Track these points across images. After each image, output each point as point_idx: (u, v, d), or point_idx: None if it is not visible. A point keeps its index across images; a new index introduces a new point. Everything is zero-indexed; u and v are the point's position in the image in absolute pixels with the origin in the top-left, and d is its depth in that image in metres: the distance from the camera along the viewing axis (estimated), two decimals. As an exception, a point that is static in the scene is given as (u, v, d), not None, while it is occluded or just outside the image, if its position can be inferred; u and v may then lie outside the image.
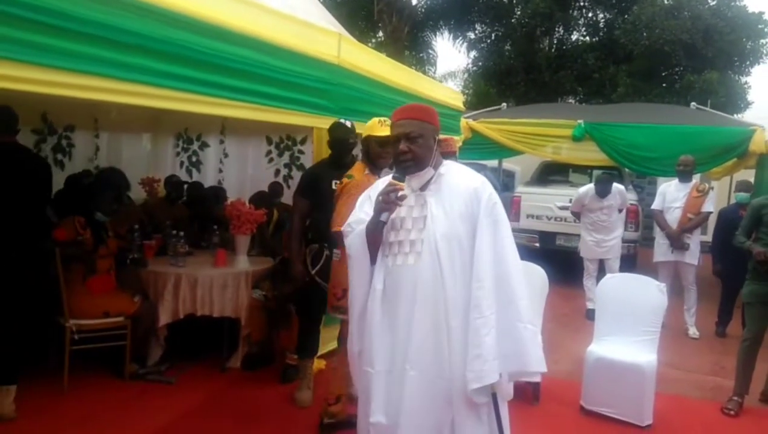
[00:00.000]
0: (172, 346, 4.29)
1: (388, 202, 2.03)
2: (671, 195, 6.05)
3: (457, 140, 4.56)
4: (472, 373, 1.98)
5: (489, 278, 2.02)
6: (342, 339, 3.81)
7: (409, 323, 2.06)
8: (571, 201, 7.83)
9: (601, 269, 6.37)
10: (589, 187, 6.62)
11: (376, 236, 2.12)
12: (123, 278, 4.28)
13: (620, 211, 6.59)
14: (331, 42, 4.13)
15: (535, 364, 2.08)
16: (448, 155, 4.17)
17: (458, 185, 2.14)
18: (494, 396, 2.09)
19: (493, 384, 2.02)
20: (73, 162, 6.30)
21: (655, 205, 6.16)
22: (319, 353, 4.19)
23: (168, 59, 2.92)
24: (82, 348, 3.79)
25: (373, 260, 2.17)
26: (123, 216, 4.87)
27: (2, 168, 3.44)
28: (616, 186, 6.54)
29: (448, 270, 2.05)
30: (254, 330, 4.35)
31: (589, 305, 6.51)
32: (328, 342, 4.31)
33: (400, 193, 2.04)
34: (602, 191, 6.42)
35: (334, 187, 3.71)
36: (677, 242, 5.86)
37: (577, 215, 6.78)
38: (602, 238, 6.47)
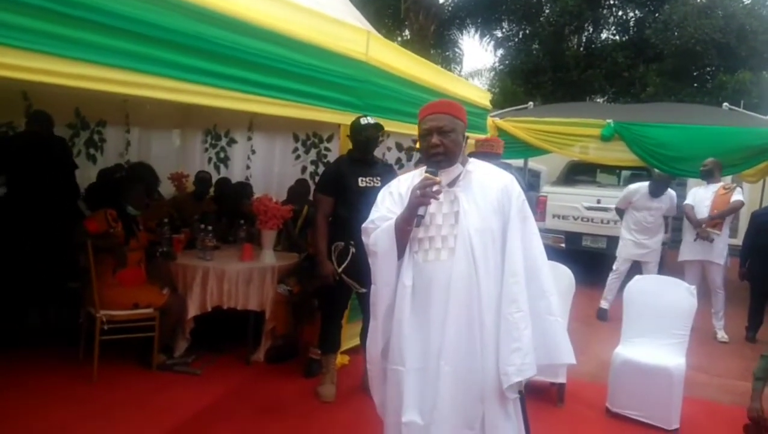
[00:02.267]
0: (198, 338, 4.35)
1: (426, 196, 2.01)
2: (700, 195, 6.00)
3: (502, 142, 4.55)
4: (513, 367, 1.99)
5: (523, 273, 2.05)
6: (363, 335, 3.84)
7: (443, 319, 2.05)
8: (598, 202, 7.76)
9: (631, 272, 6.27)
10: (640, 185, 6.51)
11: (405, 231, 2.10)
12: (152, 271, 4.36)
13: (666, 217, 6.47)
14: (359, 39, 4.14)
15: (567, 356, 2.13)
16: (494, 155, 4.15)
17: (488, 181, 2.15)
18: (521, 393, 2.10)
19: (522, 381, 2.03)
20: (104, 157, 6.45)
21: (688, 201, 6.09)
22: (343, 348, 4.22)
23: (198, 55, 2.96)
24: (111, 338, 3.87)
25: (400, 256, 2.14)
26: (153, 210, 4.97)
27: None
28: (670, 191, 6.46)
29: (482, 265, 2.05)
30: (279, 323, 4.40)
31: (603, 305, 6.46)
32: (351, 338, 4.33)
33: (435, 187, 2.02)
34: (656, 191, 6.32)
35: (361, 184, 3.73)
36: (703, 232, 5.77)
37: (620, 214, 6.67)
38: (644, 239, 6.36)
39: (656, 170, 7.28)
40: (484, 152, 4.16)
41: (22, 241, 4.40)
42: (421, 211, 2.03)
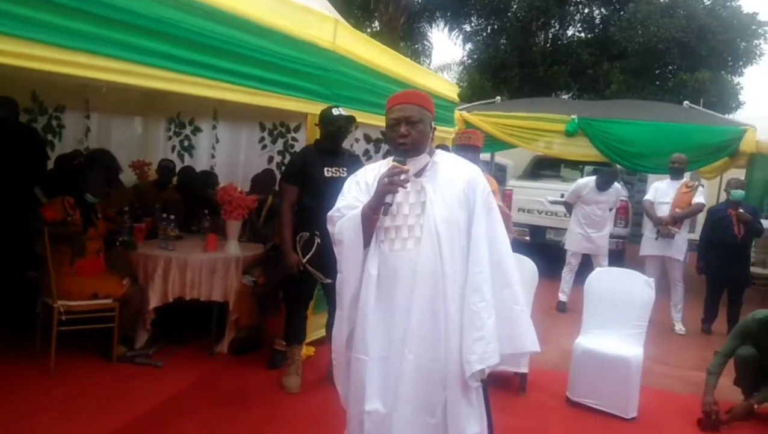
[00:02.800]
0: (160, 330, 4.27)
1: (394, 184, 2.01)
2: (662, 191, 6.12)
3: (482, 135, 4.52)
4: (475, 355, 2.02)
5: (487, 263, 2.07)
6: (329, 326, 3.83)
7: (407, 307, 2.06)
8: (562, 196, 7.88)
9: (583, 265, 6.42)
10: (588, 179, 6.66)
11: (372, 220, 2.09)
12: (112, 261, 4.26)
13: (611, 209, 6.63)
14: (327, 27, 4.11)
15: (531, 345, 2.17)
16: (472, 148, 4.12)
17: (454, 172, 2.17)
18: (483, 381, 2.14)
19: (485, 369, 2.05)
20: (63, 143, 6.25)
21: (648, 196, 6.24)
22: (308, 340, 4.20)
23: (161, 39, 2.90)
24: (69, 329, 3.77)
25: (366, 245, 2.13)
26: (113, 198, 4.85)
27: None
28: (616, 185, 6.61)
29: (448, 255, 2.07)
30: (243, 315, 4.34)
31: (561, 298, 6.64)
32: (316, 329, 4.32)
33: (403, 176, 2.02)
34: (603, 185, 6.45)
35: (327, 174, 3.70)
36: (665, 229, 5.92)
37: (569, 208, 6.80)
38: (592, 233, 6.50)
39: (618, 166, 7.44)
40: (464, 144, 4.14)
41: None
42: (388, 199, 2.03)
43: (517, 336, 2.13)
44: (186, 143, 7.03)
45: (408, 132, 2.10)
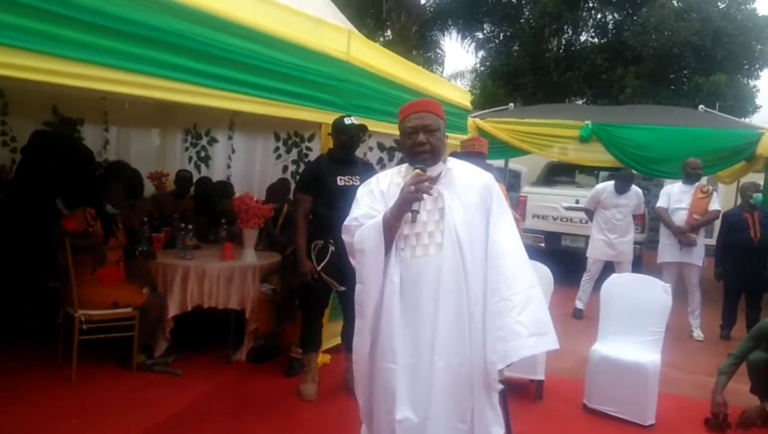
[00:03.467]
0: (179, 338, 4.32)
1: (420, 191, 2.03)
2: (675, 196, 6.06)
3: (486, 142, 4.57)
4: (496, 355, 2.04)
5: (504, 264, 2.10)
6: (344, 334, 3.85)
7: (433, 313, 2.08)
8: (577, 202, 7.86)
9: (604, 273, 6.34)
10: (606, 184, 6.62)
11: (394, 228, 2.11)
12: (132, 270, 4.33)
13: (634, 216, 6.56)
14: (340, 38, 4.16)
15: (552, 342, 2.12)
16: (477, 155, 4.17)
17: (469, 178, 2.21)
18: (503, 390, 2.16)
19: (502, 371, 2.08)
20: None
21: (661, 203, 6.15)
22: (324, 347, 4.23)
23: (178, 52, 2.96)
24: (90, 338, 3.83)
25: (386, 253, 2.14)
26: (136, 210, 4.94)
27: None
28: (635, 188, 6.55)
29: (469, 259, 2.10)
30: (261, 323, 4.39)
31: (578, 305, 6.56)
32: (332, 337, 4.35)
33: (427, 183, 2.05)
34: (622, 188, 6.40)
35: (340, 183, 3.74)
36: (685, 238, 5.86)
37: (589, 214, 6.75)
38: (615, 238, 6.41)
39: (633, 171, 7.39)
40: (469, 152, 4.19)
41: (3, 239, 4.39)
42: (415, 206, 2.06)
43: (542, 333, 2.10)
44: (202, 154, 7.12)
45: (427, 140, 2.14)
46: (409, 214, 2.07)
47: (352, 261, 2.25)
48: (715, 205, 5.87)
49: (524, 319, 2.05)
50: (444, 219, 2.12)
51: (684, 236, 5.86)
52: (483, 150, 4.26)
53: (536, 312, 2.09)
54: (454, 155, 3.70)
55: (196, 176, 6.39)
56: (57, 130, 5.46)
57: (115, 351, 4.11)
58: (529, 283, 2.12)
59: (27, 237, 4.42)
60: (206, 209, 5.60)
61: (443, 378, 2.06)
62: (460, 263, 2.09)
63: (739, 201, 6.34)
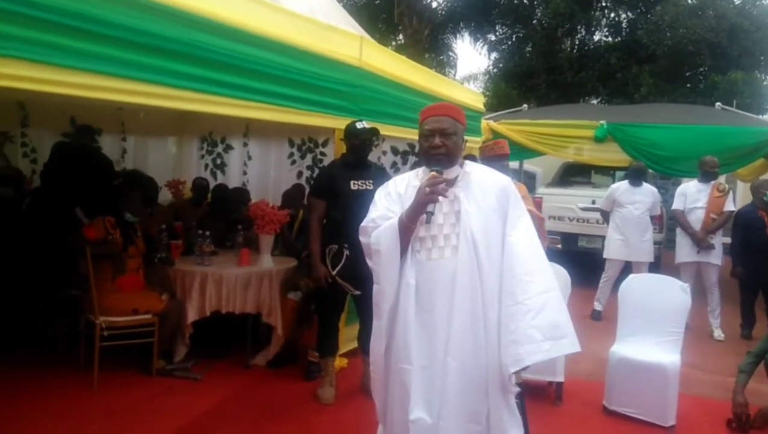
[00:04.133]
0: (197, 344, 4.37)
1: (435, 192, 2.05)
2: (692, 196, 6.00)
3: (505, 142, 4.49)
4: (509, 358, 2.04)
5: (519, 267, 2.09)
6: (361, 337, 3.87)
7: (448, 316, 2.09)
8: (593, 202, 7.80)
9: (621, 274, 6.28)
10: (620, 183, 6.59)
11: (410, 229, 2.13)
12: (151, 277, 4.39)
13: (652, 216, 6.48)
14: (352, 45, 4.19)
15: (571, 346, 2.09)
16: (502, 157, 4.13)
17: (486, 181, 2.22)
18: (520, 386, 2.16)
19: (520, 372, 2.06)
20: (101, 165, 6.44)
21: (676, 205, 6.10)
22: (341, 351, 4.25)
23: (193, 62, 3.00)
24: (111, 344, 3.89)
25: (402, 254, 2.16)
26: (157, 217, 5.01)
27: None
28: (651, 187, 6.50)
29: (485, 262, 2.11)
30: (285, 329, 4.39)
31: (597, 307, 6.50)
32: (349, 341, 4.36)
33: (443, 185, 2.07)
34: (635, 180, 6.37)
35: (353, 187, 3.76)
36: (703, 242, 5.81)
37: (605, 216, 6.69)
38: (632, 237, 6.33)
39: (650, 171, 7.32)
40: (490, 156, 4.11)
41: (26, 248, 4.48)
42: (430, 208, 2.08)
43: (559, 337, 2.07)
44: (218, 161, 7.19)
45: (442, 143, 2.16)
46: (424, 215, 2.08)
47: (369, 262, 2.28)
48: (730, 205, 5.82)
49: (539, 323, 2.04)
50: (460, 222, 2.14)
51: (702, 241, 5.82)
52: (504, 151, 4.20)
53: (552, 316, 2.06)
54: (470, 157, 3.70)
55: (212, 183, 6.45)
56: (75, 138, 5.56)
57: (135, 357, 4.17)
58: (545, 286, 2.10)
59: (48, 246, 4.50)
60: (222, 216, 5.65)
61: (456, 380, 2.07)
62: (476, 266, 2.10)
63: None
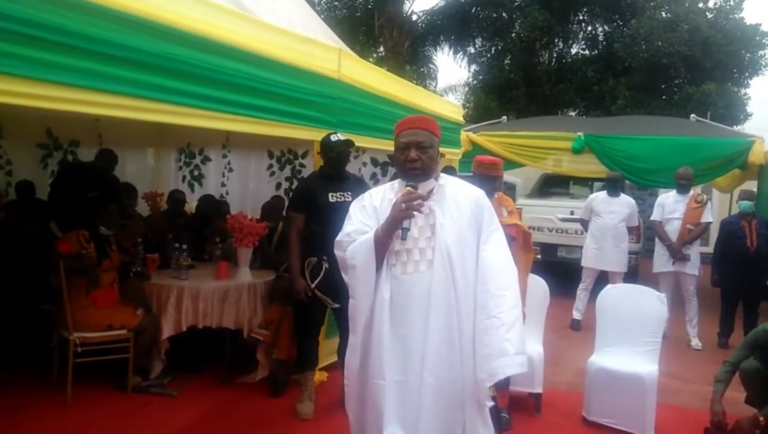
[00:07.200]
0: (174, 359, 4.30)
1: (410, 208, 2.04)
2: (669, 207, 6.08)
3: (501, 162, 4.15)
4: (484, 373, 2.04)
5: (492, 281, 2.11)
6: (341, 351, 3.83)
7: (424, 330, 2.08)
8: (572, 213, 7.88)
9: (599, 284, 6.33)
10: (598, 193, 6.69)
11: (385, 244, 2.12)
12: (126, 292, 4.31)
13: (629, 228, 6.56)
14: (331, 57, 4.19)
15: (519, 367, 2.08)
16: (495, 179, 3.72)
17: (461, 195, 2.22)
18: (494, 399, 2.18)
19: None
20: (77, 177, 6.35)
21: (654, 216, 6.18)
22: (321, 365, 4.21)
23: (170, 75, 2.97)
24: (85, 360, 3.81)
25: (377, 269, 2.15)
26: (130, 230, 4.93)
27: None
28: (628, 198, 6.60)
29: (460, 276, 2.11)
30: (282, 349, 4.20)
31: (575, 316, 6.58)
32: (329, 355, 4.32)
33: (418, 201, 2.06)
34: (612, 190, 6.48)
35: (332, 200, 3.75)
36: (678, 253, 5.89)
37: (585, 225, 6.77)
38: (607, 246, 6.42)
39: (627, 182, 7.42)
40: (484, 175, 3.72)
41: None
42: (406, 224, 2.07)
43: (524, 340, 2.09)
44: (196, 173, 7.14)
45: (418, 157, 2.15)
46: (400, 231, 2.07)
47: (345, 277, 2.26)
48: (707, 216, 5.90)
49: (511, 337, 2.05)
50: (435, 236, 2.13)
51: (678, 253, 5.90)
52: (498, 174, 3.77)
53: (522, 331, 2.10)
54: (449, 169, 3.64)
55: (189, 195, 6.38)
56: (96, 162, 5.70)
57: (110, 373, 4.08)
58: (516, 301, 2.12)
59: (22, 260, 4.40)
60: (200, 228, 5.58)
61: (433, 395, 2.06)
62: (451, 280, 2.10)
63: (736, 210, 6.35)
